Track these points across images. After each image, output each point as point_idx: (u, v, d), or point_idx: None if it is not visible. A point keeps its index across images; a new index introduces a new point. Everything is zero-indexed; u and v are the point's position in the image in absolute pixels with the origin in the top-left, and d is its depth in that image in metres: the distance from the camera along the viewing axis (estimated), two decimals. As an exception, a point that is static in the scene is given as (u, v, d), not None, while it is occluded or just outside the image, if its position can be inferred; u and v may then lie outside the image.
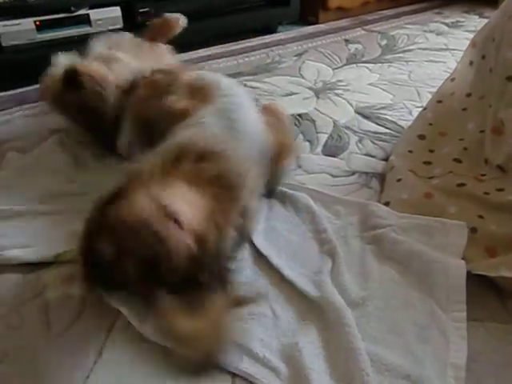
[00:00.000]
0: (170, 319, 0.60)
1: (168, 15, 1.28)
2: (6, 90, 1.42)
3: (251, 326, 0.66)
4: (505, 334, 0.65)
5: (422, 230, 0.80)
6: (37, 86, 1.42)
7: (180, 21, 1.27)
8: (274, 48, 1.84)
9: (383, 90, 1.46)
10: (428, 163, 0.97)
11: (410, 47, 1.88)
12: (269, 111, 0.94)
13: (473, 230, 0.76)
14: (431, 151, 1.01)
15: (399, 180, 0.92)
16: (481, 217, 0.79)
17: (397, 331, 0.64)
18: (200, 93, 0.86)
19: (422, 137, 1.05)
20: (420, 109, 1.22)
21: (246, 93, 0.91)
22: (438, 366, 0.58)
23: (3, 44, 1.38)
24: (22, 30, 1.38)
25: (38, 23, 1.40)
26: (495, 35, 1.04)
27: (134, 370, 0.62)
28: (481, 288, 0.71)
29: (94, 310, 0.69)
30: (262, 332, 0.65)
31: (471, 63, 1.11)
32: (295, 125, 1.23)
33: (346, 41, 1.94)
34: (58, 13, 1.43)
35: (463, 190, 0.86)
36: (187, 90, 0.88)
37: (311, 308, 0.69)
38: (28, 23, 1.39)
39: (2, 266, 0.77)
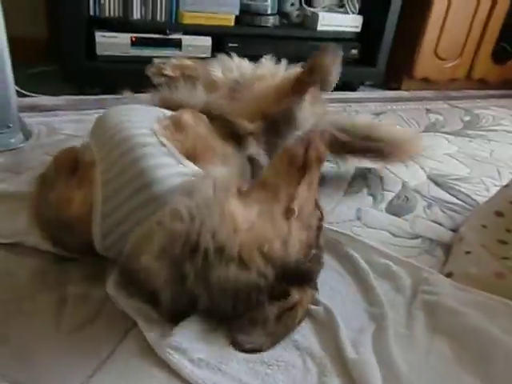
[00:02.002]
0: None
1: None
2: (91, 95, 1.49)
3: (274, 374, 0.58)
4: None
5: (484, 308, 0.69)
6: (119, 96, 1.50)
7: None
8: (352, 104, 1.82)
9: (460, 162, 1.37)
10: (503, 242, 0.86)
11: (495, 128, 1.78)
12: None
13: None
14: (508, 231, 0.89)
15: (468, 252, 0.82)
16: None
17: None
18: None
19: (499, 214, 0.94)
20: (499, 187, 1.11)
21: None
22: None
23: (98, 53, 1.46)
24: (117, 42, 1.47)
25: (133, 39, 1.48)
26: None
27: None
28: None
29: (110, 316, 0.64)
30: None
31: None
32: (362, 177, 1.17)
33: (427, 110, 1.88)
34: (153, 33, 1.51)
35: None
36: None
37: (344, 365, 0.59)
38: (125, 38, 1.47)
39: (29, 250, 0.75)
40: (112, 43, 1.46)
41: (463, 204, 1.09)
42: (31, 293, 0.66)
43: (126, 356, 0.59)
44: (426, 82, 2.23)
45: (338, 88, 1.98)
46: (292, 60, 1.80)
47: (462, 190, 1.18)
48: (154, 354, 0.59)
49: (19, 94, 1.24)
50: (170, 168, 0.64)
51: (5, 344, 0.58)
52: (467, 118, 1.85)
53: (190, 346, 0.59)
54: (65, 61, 1.53)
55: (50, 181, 0.70)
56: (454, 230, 0.96)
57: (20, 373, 0.55)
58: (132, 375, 0.56)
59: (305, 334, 0.64)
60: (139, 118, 0.73)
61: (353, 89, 2.07)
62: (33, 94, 1.43)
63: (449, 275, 0.78)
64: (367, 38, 1.95)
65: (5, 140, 1.10)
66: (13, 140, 1.12)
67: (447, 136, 1.59)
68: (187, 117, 0.76)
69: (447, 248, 0.89)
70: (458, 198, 1.12)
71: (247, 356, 0.60)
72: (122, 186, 0.63)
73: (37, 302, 0.65)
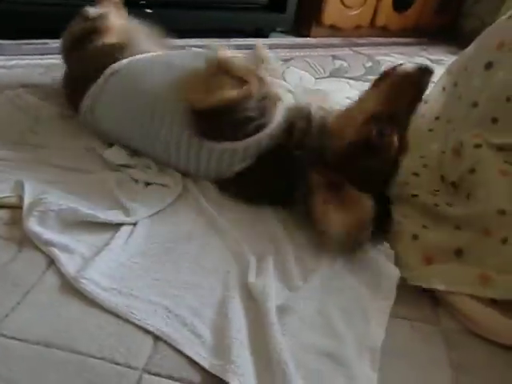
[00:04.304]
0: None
1: None
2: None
3: (185, 295, 0.66)
4: (430, 335, 0.67)
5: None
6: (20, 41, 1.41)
7: None
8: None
9: (359, 105, 1.50)
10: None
11: (393, 73, 1.93)
12: None
13: (414, 237, 0.79)
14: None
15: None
16: (425, 227, 0.81)
17: (323, 312, 0.65)
18: None
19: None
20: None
21: None
22: (358, 348, 0.60)
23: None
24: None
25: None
26: (468, 65, 1.09)
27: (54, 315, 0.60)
28: (417, 291, 0.72)
29: (30, 253, 0.68)
30: (196, 301, 0.65)
31: (444, 89, 1.15)
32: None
33: (333, 56, 1.99)
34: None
35: (415, 200, 0.88)
36: None
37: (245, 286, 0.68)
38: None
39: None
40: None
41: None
42: None
43: (46, 290, 0.63)
44: (334, 30, 2.33)
45: (249, 34, 2.03)
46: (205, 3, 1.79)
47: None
48: (72, 287, 0.63)
49: None
50: None
51: None
52: (369, 64, 1.99)
53: (103, 279, 0.65)
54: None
55: None
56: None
57: None
58: (52, 307, 0.61)
59: (212, 258, 0.73)
60: None
61: (264, 35, 2.11)
62: None
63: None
64: (276, -17, 1.98)
65: None
66: None
67: (349, 81, 1.71)
68: None
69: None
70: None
71: (157, 282, 0.67)
72: None
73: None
